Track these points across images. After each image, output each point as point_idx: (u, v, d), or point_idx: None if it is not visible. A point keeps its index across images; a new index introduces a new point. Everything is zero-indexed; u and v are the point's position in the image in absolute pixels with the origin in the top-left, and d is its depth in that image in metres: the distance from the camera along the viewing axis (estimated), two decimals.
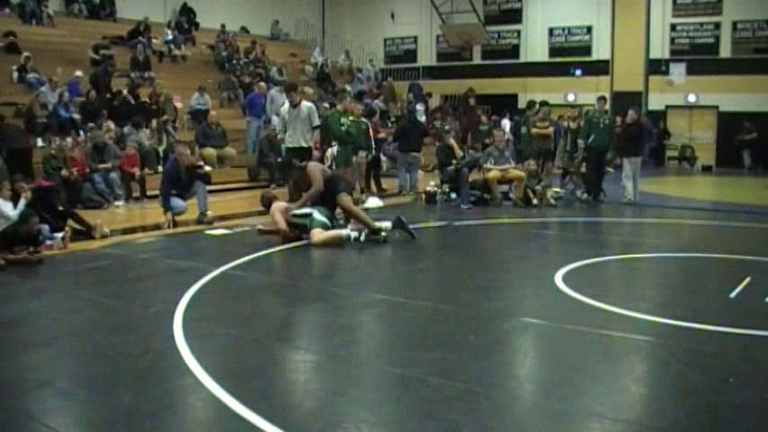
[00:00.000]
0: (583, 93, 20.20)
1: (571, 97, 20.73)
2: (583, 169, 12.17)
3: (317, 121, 9.49)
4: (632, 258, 7.05)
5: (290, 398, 3.54)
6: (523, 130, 13.15)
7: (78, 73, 14.03)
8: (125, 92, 14.00)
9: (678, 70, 20.00)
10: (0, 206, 7.15)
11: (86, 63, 15.06)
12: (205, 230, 8.50)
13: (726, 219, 9.82)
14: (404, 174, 12.54)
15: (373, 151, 11.98)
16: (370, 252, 7.29)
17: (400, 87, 21.56)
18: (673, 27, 20.10)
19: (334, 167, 9.62)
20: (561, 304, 5.20)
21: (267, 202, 8.03)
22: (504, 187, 11.47)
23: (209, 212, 9.05)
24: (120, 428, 3.10)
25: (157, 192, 9.38)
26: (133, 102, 13.66)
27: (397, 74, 23.30)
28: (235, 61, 18.59)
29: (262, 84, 16.13)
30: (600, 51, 21.07)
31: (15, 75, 13.74)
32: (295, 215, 7.68)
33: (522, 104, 20.45)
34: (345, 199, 7.93)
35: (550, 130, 12.15)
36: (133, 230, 8.66)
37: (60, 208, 8.14)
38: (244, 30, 22.08)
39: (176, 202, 8.79)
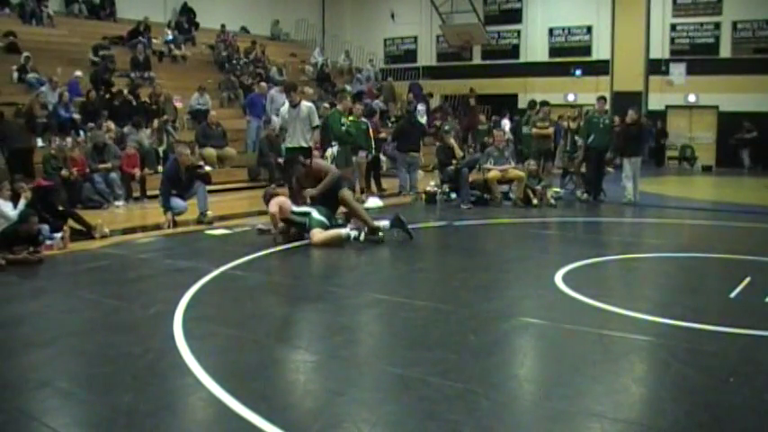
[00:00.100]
0: (583, 93, 20.22)
1: (571, 97, 20.74)
2: (583, 169, 12.17)
3: (316, 121, 9.49)
4: (632, 258, 7.05)
5: (290, 398, 3.54)
6: (525, 130, 13.14)
7: (78, 73, 14.03)
8: (125, 92, 14.01)
9: (678, 70, 20.01)
10: (0, 206, 7.15)
11: (86, 63, 15.06)
12: (205, 230, 8.50)
13: (726, 219, 9.82)
14: (404, 174, 12.54)
15: (373, 151, 11.98)
16: (370, 252, 7.29)
17: (400, 87, 21.57)
18: (673, 27, 20.10)
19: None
20: (561, 304, 5.20)
21: (268, 198, 8.05)
22: (504, 187, 11.47)
23: (209, 212, 9.05)
24: (120, 428, 3.10)
25: (157, 192, 9.39)
26: (134, 102, 13.67)
27: (397, 74, 23.30)
28: (235, 61, 18.60)
29: (263, 84, 16.13)
30: (600, 51, 21.07)
31: (15, 75, 13.74)
32: (294, 212, 7.68)
33: (522, 104, 20.51)
34: (348, 194, 7.93)
35: (551, 130, 12.15)
36: (133, 230, 8.66)
37: (60, 208, 8.14)
38: (244, 30, 22.08)
39: (176, 202, 8.79)
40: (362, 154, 11.36)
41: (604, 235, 9.47)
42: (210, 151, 13.08)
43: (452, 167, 11.45)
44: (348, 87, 17.94)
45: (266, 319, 4.93)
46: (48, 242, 7.11)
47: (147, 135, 12.46)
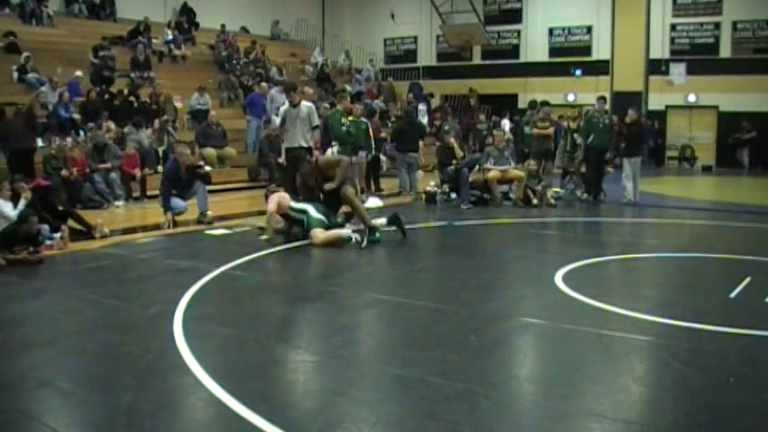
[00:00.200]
0: (583, 93, 20.20)
1: (571, 97, 20.73)
2: (583, 169, 12.18)
3: (316, 121, 9.49)
4: (632, 258, 7.05)
5: (290, 398, 3.54)
6: (527, 130, 13.13)
7: (78, 73, 14.03)
8: (125, 92, 14.00)
9: (678, 70, 20.00)
10: (0, 206, 7.15)
11: (86, 63, 15.05)
12: (205, 230, 8.50)
13: (726, 219, 9.82)
14: (404, 174, 12.54)
15: (373, 151, 11.98)
16: (370, 252, 7.29)
17: (400, 87, 21.56)
18: (673, 27, 20.09)
19: None
20: (561, 304, 5.20)
21: (268, 195, 8.06)
22: (504, 187, 11.47)
23: (209, 212, 9.05)
24: (120, 428, 3.10)
25: (157, 192, 9.39)
26: (134, 102, 13.66)
27: (397, 74, 23.29)
28: (235, 61, 18.59)
29: (263, 84, 16.13)
30: (600, 51, 21.06)
31: (15, 75, 13.73)
32: (292, 208, 7.69)
33: (522, 104, 20.51)
34: (351, 191, 7.92)
35: (551, 130, 12.15)
36: (133, 230, 8.66)
37: (60, 208, 8.14)
38: (244, 30, 22.08)
39: (176, 202, 8.79)
40: (362, 154, 11.36)
41: (604, 235, 9.47)
42: (210, 151, 13.07)
43: (452, 167, 11.46)
44: (348, 87, 17.94)
45: (266, 319, 4.93)
46: (48, 242, 7.11)
47: (148, 135, 12.46)
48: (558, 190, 12.15)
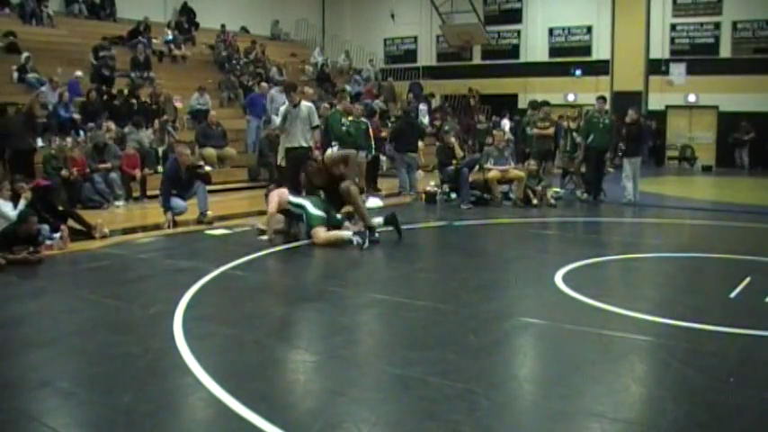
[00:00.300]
0: (583, 93, 20.20)
1: (571, 97, 20.73)
2: (583, 169, 12.18)
3: (316, 121, 9.50)
4: (632, 258, 7.05)
5: (290, 398, 3.54)
6: (528, 130, 13.13)
7: (78, 73, 14.03)
8: (125, 92, 14.00)
9: (678, 70, 20.00)
10: (0, 206, 7.15)
11: (86, 63, 15.05)
12: (205, 230, 8.50)
13: (726, 219, 9.82)
14: (403, 174, 12.54)
15: (373, 151, 11.98)
16: (370, 252, 7.28)
17: (400, 87, 21.55)
18: (673, 27, 20.09)
19: None
20: (561, 304, 5.20)
21: (269, 193, 8.06)
22: (504, 187, 11.47)
23: (209, 212, 9.05)
24: (120, 428, 3.10)
25: (157, 192, 9.39)
26: (135, 103, 13.66)
27: (397, 74, 23.29)
28: (235, 61, 18.59)
29: (263, 84, 16.13)
30: (600, 51, 21.06)
31: (15, 75, 13.73)
32: (290, 203, 7.68)
33: (522, 104, 20.51)
34: (354, 190, 7.92)
35: (551, 130, 12.16)
36: (133, 230, 8.66)
37: (60, 208, 8.14)
38: (244, 30, 22.07)
39: (176, 202, 8.79)
40: (362, 154, 11.36)
41: (604, 235, 9.47)
42: (210, 151, 13.08)
43: (452, 167, 11.46)
44: (348, 87, 17.93)
45: (266, 319, 4.93)
46: (48, 242, 7.10)
47: (148, 135, 12.46)
48: (558, 190, 12.15)
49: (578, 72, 21.17)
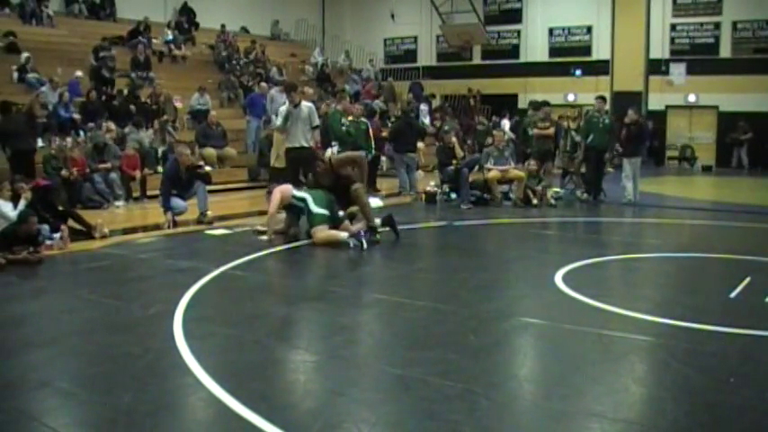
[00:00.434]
0: (583, 93, 20.19)
1: (571, 97, 20.74)
2: (583, 169, 12.18)
3: (316, 121, 9.50)
4: (632, 258, 7.05)
5: (290, 398, 3.54)
6: (529, 131, 13.12)
7: (78, 73, 14.03)
8: (125, 92, 13.99)
9: (678, 70, 20.00)
10: (0, 206, 7.15)
11: (86, 63, 15.05)
12: (205, 230, 8.50)
13: (726, 219, 9.82)
14: (403, 174, 12.54)
15: (373, 151, 11.97)
16: (370, 252, 7.28)
17: (400, 87, 21.55)
18: (673, 27, 20.09)
19: None
20: (561, 304, 5.20)
21: (271, 190, 8.05)
22: (504, 187, 11.47)
23: (209, 212, 9.04)
24: (120, 428, 3.10)
25: (157, 192, 9.38)
26: (134, 103, 13.66)
27: (397, 74, 23.29)
28: (235, 61, 18.59)
29: (263, 84, 16.13)
30: (600, 51, 21.06)
31: (15, 75, 13.73)
32: (294, 197, 7.67)
33: (522, 104, 20.51)
34: (361, 190, 7.91)
35: (551, 130, 12.16)
36: (133, 230, 8.66)
37: (60, 208, 8.14)
38: (244, 30, 22.07)
39: (176, 202, 8.79)
40: (361, 154, 11.35)
41: (604, 235, 9.47)
42: (210, 151, 13.07)
43: (452, 167, 11.46)
44: (347, 87, 17.92)
45: (266, 319, 4.93)
46: (48, 242, 7.10)
47: (148, 135, 12.46)
48: (558, 190, 12.15)
49: (578, 72, 21.17)
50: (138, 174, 11.25)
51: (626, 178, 11.57)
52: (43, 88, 12.76)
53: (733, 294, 5.39)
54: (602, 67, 20.93)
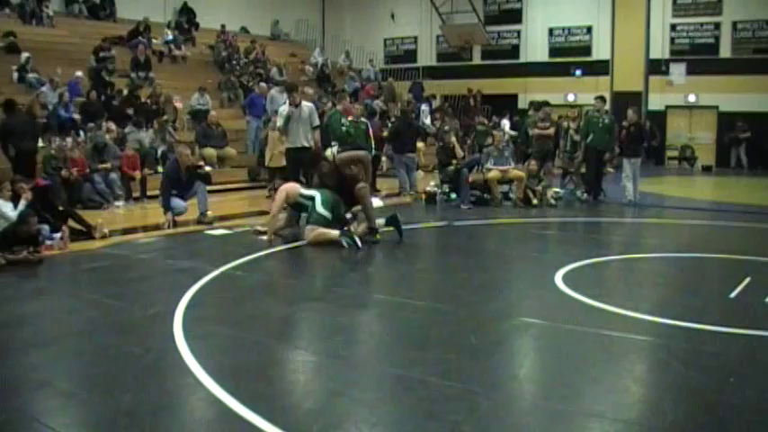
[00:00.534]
0: (583, 93, 20.17)
1: (571, 97, 20.74)
2: (583, 169, 12.18)
3: (317, 122, 9.50)
4: (632, 258, 7.05)
5: (290, 398, 3.54)
6: (530, 131, 13.12)
7: (78, 73, 14.03)
8: (125, 92, 13.98)
9: (678, 70, 20.01)
10: (0, 206, 7.15)
11: (86, 63, 15.05)
12: (205, 230, 8.50)
13: (726, 219, 9.82)
14: (403, 174, 12.54)
15: (373, 151, 11.96)
16: (369, 252, 7.29)
17: (400, 87, 21.55)
18: (673, 27, 20.10)
19: None
20: (561, 304, 5.20)
21: (276, 188, 8.03)
22: (504, 187, 11.47)
23: (209, 213, 9.05)
24: (120, 428, 3.10)
25: (157, 192, 9.39)
26: (134, 103, 13.65)
27: (398, 74, 23.29)
28: (235, 61, 18.59)
29: (262, 84, 16.14)
30: (600, 51, 21.07)
31: (15, 75, 13.73)
32: (302, 195, 7.66)
33: (522, 105, 20.52)
34: (366, 190, 7.91)
35: (551, 130, 12.16)
36: (133, 230, 8.66)
37: (60, 208, 8.13)
38: (244, 30, 22.08)
39: (176, 202, 8.79)
40: (366, 153, 11.34)
41: (604, 235, 9.47)
42: (210, 151, 13.08)
43: (452, 168, 11.45)
44: (346, 87, 17.91)
45: (266, 319, 4.93)
46: (48, 242, 7.10)
47: (149, 135, 12.46)
48: (558, 190, 12.15)
49: (578, 72, 21.18)
50: (138, 174, 11.25)
51: (626, 178, 11.57)
52: (43, 88, 12.76)
53: (733, 294, 5.39)
54: (602, 67, 20.94)
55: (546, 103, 12.61)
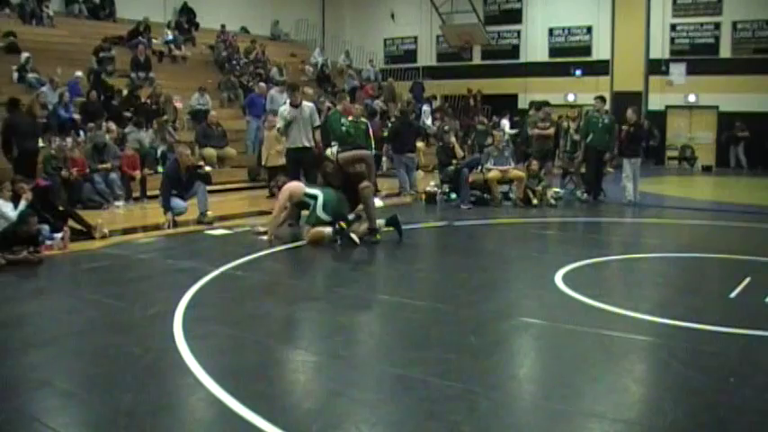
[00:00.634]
0: (583, 93, 20.17)
1: (571, 97, 20.74)
2: (583, 169, 12.18)
3: (317, 121, 9.50)
4: (632, 258, 7.05)
5: (290, 398, 3.54)
6: (529, 131, 13.13)
7: (78, 73, 14.03)
8: (125, 92, 13.98)
9: (678, 70, 20.01)
10: (0, 206, 7.15)
11: (86, 63, 15.05)
12: (205, 230, 8.50)
13: (726, 219, 9.82)
14: (403, 174, 12.54)
15: (373, 151, 11.97)
16: (369, 252, 7.29)
17: (400, 87, 21.56)
18: (673, 27, 20.10)
19: None
20: (561, 304, 5.20)
21: (280, 187, 8.02)
22: (504, 187, 11.47)
23: (209, 212, 9.04)
24: (120, 428, 3.10)
25: (157, 192, 9.38)
26: (134, 103, 13.65)
27: (398, 74, 23.29)
28: (235, 61, 18.59)
29: (262, 84, 16.14)
30: (600, 51, 21.07)
31: (15, 75, 13.73)
32: (306, 194, 7.65)
33: (522, 104, 20.52)
34: (369, 190, 7.90)
35: (551, 130, 12.16)
36: (133, 230, 8.66)
37: (60, 208, 8.13)
38: (244, 30, 22.08)
39: (176, 202, 8.79)
40: (369, 152, 11.34)
41: (604, 235, 9.47)
42: (210, 151, 13.08)
43: (452, 168, 11.45)
44: (345, 86, 17.92)
45: (266, 319, 4.93)
46: (48, 242, 7.10)
47: (149, 135, 12.46)
48: (558, 190, 12.15)
49: (578, 72, 21.18)
50: (138, 174, 11.26)
51: (626, 179, 11.57)
52: (43, 88, 12.75)
53: (733, 294, 5.39)
54: (602, 68, 20.94)
55: (546, 103, 12.62)
